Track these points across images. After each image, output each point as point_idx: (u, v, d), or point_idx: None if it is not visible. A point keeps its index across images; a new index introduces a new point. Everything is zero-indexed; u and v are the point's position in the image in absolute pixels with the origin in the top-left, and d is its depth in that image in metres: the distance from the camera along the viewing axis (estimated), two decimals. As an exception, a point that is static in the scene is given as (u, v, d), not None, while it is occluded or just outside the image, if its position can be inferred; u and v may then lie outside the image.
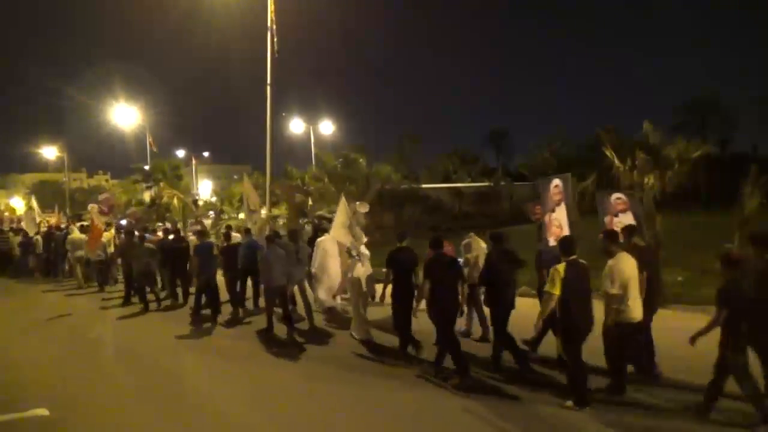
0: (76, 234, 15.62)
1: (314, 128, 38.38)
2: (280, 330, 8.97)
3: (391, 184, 28.02)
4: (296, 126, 38.33)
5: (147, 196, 32.76)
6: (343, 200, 9.80)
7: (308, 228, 15.25)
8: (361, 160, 22.17)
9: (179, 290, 12.09)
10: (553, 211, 8.17)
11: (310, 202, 20.56)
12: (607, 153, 11.63)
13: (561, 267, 5.56)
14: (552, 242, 7.67)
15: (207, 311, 10.26)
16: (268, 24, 16.26)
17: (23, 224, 20.01)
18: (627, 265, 5.66)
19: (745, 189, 9.88)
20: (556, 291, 5.49)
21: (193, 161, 58.30)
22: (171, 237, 13.23)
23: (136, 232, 12.70)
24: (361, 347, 8.05)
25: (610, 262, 5.69)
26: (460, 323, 7.89)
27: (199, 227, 14.75)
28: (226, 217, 42.91)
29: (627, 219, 7.61)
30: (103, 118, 35.09)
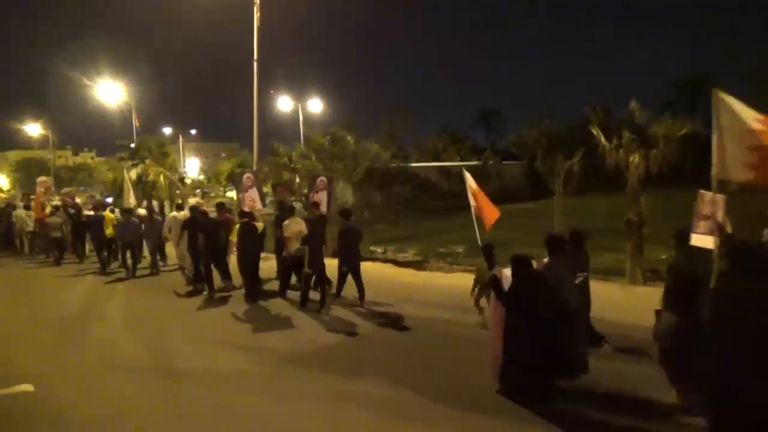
0: (20, 211, 17.99)
1: (303, 106, 37.96)
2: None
3: (380, 162, 27.83)
4: (284, 104, 37.88)
5: (134, 174, 32.28)
6: None
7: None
8: (348, 137, 21.84)
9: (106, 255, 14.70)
10: (246, 191, 12.47)
11: (297, 180, 20.36)
12: (594, 131, 11.58)
13: (238, 225, 9.83)
14: (247, 209, 11.34)
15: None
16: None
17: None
18: (293, 223, 9.50)
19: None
20: (234, 238, 9.79)
21: (180, 139, 57.61)
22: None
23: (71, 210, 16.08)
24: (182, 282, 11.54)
25: (286, 222, 9.57)
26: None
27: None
28: (213, 195, 42.57)
29: (323, 197, 11.57)
30: (89, 94, 34.39)
